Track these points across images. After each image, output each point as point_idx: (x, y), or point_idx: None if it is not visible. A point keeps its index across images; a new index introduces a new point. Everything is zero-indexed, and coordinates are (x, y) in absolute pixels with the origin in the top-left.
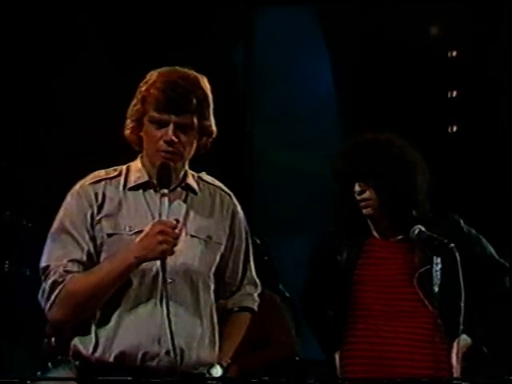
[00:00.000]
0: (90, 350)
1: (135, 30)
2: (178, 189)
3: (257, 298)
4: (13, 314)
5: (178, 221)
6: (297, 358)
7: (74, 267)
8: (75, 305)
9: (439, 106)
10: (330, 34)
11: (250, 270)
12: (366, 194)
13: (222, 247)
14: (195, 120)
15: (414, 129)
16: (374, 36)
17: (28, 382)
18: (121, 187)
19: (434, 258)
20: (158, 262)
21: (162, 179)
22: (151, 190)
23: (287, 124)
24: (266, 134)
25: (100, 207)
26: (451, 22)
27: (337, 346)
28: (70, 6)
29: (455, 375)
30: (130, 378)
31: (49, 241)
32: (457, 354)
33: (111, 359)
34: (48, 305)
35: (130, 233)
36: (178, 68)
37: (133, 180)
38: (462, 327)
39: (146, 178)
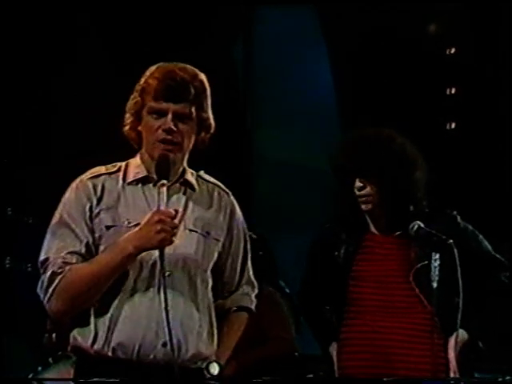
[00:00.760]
0: (90, 341)
1: (135, 29)
2: (177, 184)
3: (254, 299)
4: (13, 310)
5: (176, 211)
6: (296, 354)
7: (73, 259)
8: (74, 296)
9: (438, 103)
10: (329, 32)
11: (248, 271)
12: (367, 190)
13: (220, 244)
14: (193, 110)
15: (412, 126)
16: (374, 35)
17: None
18: (120, 182)
19: (433, 254)
20: (157, 253)
21: (161, 170)
22: (150, 185)
23: (287, 122)
24: (266, 132)
25: (99, 200)
26: (451, 20)
27: (334, 341)
28: (70, 5)
29: (452, 370)
30: (126, 379)
31: (48, 234)
32: (454, 349)
33: (110, 351)
34: (47, 296)
35: (129, 225)
36: (176, 62)
37: (132, 175)
38: (459, 323)
39: (145, 173)
